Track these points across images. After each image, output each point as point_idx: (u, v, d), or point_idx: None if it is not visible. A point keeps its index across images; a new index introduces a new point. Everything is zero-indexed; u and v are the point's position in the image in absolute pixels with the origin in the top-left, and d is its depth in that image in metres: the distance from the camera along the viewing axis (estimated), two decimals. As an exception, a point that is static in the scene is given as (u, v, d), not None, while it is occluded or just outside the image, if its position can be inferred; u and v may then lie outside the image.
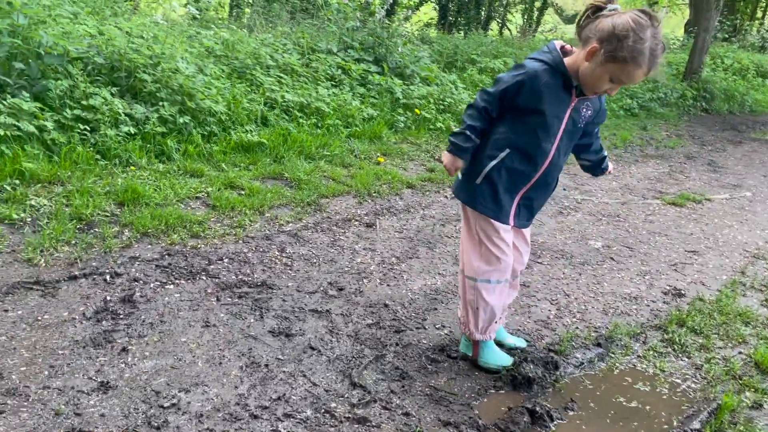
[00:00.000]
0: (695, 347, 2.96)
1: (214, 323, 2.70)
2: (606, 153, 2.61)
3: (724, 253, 4.33)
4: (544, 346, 2.85)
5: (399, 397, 2.36)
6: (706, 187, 6.24)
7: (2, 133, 3.95)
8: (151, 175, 4.25)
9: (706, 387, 2.64)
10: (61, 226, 3.32)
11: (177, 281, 3.02)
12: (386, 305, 3.07)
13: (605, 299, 3.43)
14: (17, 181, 3.75)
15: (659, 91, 11.59)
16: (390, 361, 2.59)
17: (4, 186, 3.66)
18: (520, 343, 2.80)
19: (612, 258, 4.04)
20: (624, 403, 2.49)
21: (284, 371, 2.43)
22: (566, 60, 2.25)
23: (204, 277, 3.10)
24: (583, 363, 2.74)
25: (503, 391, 2.49)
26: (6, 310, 2.57)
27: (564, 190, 5.52)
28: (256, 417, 2.15)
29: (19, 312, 2.58)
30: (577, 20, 2.26)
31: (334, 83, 6.95)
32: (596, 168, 2.61)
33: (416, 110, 6.97)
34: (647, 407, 2.48)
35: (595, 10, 2.16)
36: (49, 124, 4.23)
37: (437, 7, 19.77)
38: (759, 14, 26.75)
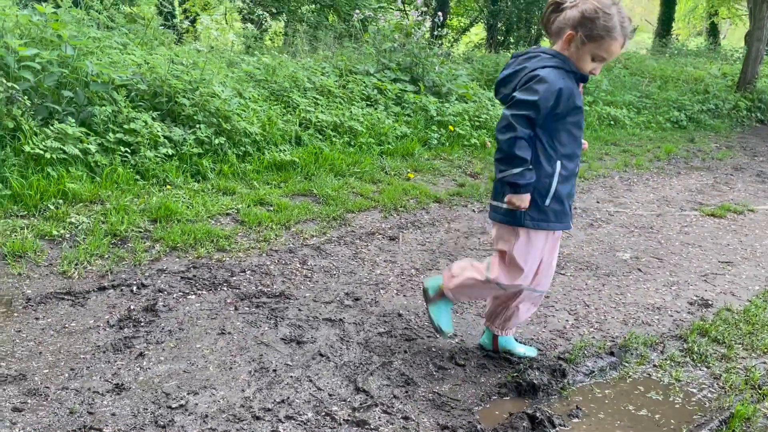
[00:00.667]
0: (716, 357, 2.88)
1: (229, 331, 2.81)
2: None
3: (761, 263, 4.18)
4: (556, 355, 2.83)
5: (401, 402, 2.39)
6: (751, 198, 6.03)
7: (49, 157, 4.23)
8: (186, 194, 4.45)
9: (722, 396, 2.57)
10: (97, 241, 3.52)
11: (199, 292, 3.16)
12: (400, 315, 3.12)
13: (626, 309, 3.38)
14: (61, 201, 4.00)
15: (710, 102, 11.27)
16: (397, 367, 2.64)
17: (48, 206, 3.91)
18: (531, 352, 2.80)
19: (639, 269, 3.96)
20: (633, 412, 2.45)
21: (291, 376, 2.51)
22: None
23: (225, 288, 3.22)
24: (593, 371, 2.71)
25: (508, 398, 2.49)
26: (37, 318, 2.75)
27: (597, 202, 5.45)
28: (258, 418, 2.23)
29: (49, 320, 2.75)
30: (541, 19, 2.42)
31: (369, 103, 7.09)
32: None
33: (450, 127, 7.03)
34: (656, 416, 2.43)
35: (556, 7, 2.33)
36: (93, 147, 4.50)
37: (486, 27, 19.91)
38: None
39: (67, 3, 5.55)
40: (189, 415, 2.21)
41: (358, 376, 2.54)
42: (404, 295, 3.35)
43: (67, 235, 3.60)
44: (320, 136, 6.00)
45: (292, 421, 2.23)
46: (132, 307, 2.93)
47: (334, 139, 5.97)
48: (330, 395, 2.41)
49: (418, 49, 8.26)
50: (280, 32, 14.16)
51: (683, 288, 3.71)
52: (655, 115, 10.33)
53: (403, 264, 3.77)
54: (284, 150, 5.49)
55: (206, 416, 2.21)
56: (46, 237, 3.55)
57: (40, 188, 3.98)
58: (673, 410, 2.48)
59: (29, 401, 2.21)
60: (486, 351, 2.80)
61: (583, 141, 2.71)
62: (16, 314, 2.78)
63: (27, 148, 4.16)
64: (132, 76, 5.26)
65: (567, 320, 3.22)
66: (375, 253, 3.89)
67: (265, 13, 8.22)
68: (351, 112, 6.47)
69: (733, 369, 2.79)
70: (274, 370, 2.53)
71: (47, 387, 2.29)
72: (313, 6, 14.47)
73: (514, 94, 2.29)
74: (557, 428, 2.30)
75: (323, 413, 2.29)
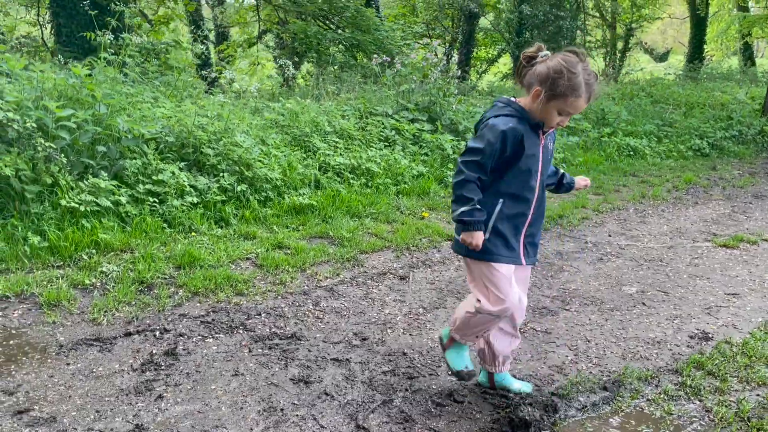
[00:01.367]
0: (709, 390, 2.97)
1: (242, 372, 3.02)
2: (558, 168, 2.90)
3: (767, 295, 4.23)
4: (551, 390, 2.96)
5: (398, 438, 2.56)
6: (766, 227, 6.04)
7: (84, 209, 4.57)
8: (209, 240, 4.72)
9: (710, 429, 2.66)
10: (125, 289, 3.79)
11: (216, 335, 3.39)
12: (404, 353, 3.29)
13: (626, 344, 3.48)
14: (93, 251, 4.31)
15: (733, 129, 11.24)
16: (397, 405, 2.80)
17: (82, 255, 4.22)
18: (527, 388, 2.93)
19: (643, 303, 4.06)
20: (621, 445, 2.57)
21: (297, 414, 2.70)
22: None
23: (241, 331, 3.45)
24: (586, 406, 2.83)
25: (500, 433, 2.63)
26: (68, 364, 3.01)
27: (609, 236, 5.55)
28: (263, 455, 2.42)
29: (79, 365, 3.01)
30: (515, 72, 2.62)
31: (387, 144, 7.35)
32: (560, 186, 2.90)
33: (467, 165, 7.21)
34: (644, 449, 2.54)
35: (529, 60, 2.52)
36: (124, 199, 4.83)
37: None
38: None
39: (102, 64, 5.98)
40: (201, 452, 2.42)
41: (360, 413, 2.72)
42: (410, 334, 3.52)
43: (98, 284, 3.89)
44: (338, 179, 6.27)
45: (295, 458, 2.41)
46: (154, 351, 3.16)
47: (351, 181, 6.22)
48: (332, 432, 2.58)
49: (436, 89, 8.54)
50: (312, 71, 14.65)
51: (685, 321, 3.79)
52: (676, 144, 10.36)
53: (411, 303, 3.95)
54: (303, 194, 5.76)
55: (216, 453, 2.41)
56: (79, 286, 3.84)
57: (74, 239, 4.29)
58: (661, 443, 2.58)
59: (58, 441, 2.44)
60: (484, 388, 2.95)
61: (583, 178, 2.97)
62: (49, 360, 3.04)
63: (63, 202, 4.50)
64: (161, 129, 5.62)
65: (567, 356, 3.34)
66: (385, 293, 4.08)
67: (288, 62, 8.56)
68: (368, 154, 6.73)
69: (725, 402, 2.87)
70: (282, 410, 2.73)
71: (74, 428, 2.52)
72: (341, 46, 14.96)
73: (467, 140, 2.55)
74: (545, 462, 2.43)
75: (324, 449, 2.46)
